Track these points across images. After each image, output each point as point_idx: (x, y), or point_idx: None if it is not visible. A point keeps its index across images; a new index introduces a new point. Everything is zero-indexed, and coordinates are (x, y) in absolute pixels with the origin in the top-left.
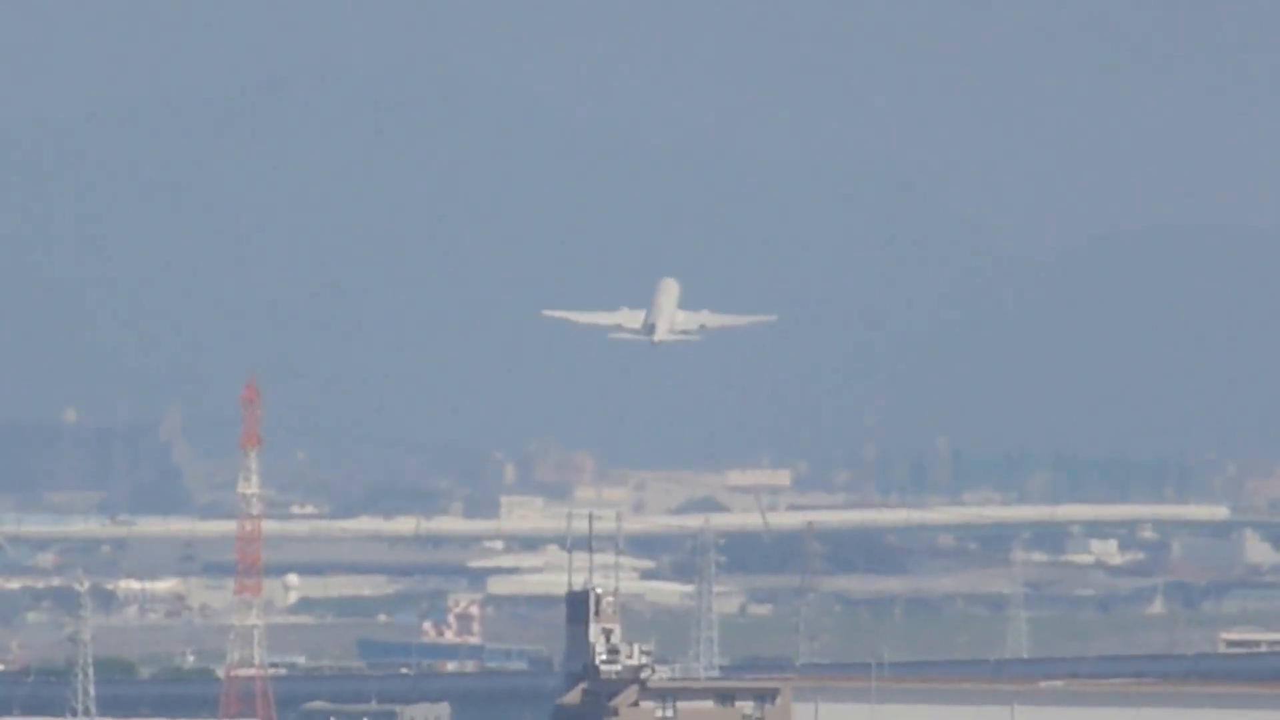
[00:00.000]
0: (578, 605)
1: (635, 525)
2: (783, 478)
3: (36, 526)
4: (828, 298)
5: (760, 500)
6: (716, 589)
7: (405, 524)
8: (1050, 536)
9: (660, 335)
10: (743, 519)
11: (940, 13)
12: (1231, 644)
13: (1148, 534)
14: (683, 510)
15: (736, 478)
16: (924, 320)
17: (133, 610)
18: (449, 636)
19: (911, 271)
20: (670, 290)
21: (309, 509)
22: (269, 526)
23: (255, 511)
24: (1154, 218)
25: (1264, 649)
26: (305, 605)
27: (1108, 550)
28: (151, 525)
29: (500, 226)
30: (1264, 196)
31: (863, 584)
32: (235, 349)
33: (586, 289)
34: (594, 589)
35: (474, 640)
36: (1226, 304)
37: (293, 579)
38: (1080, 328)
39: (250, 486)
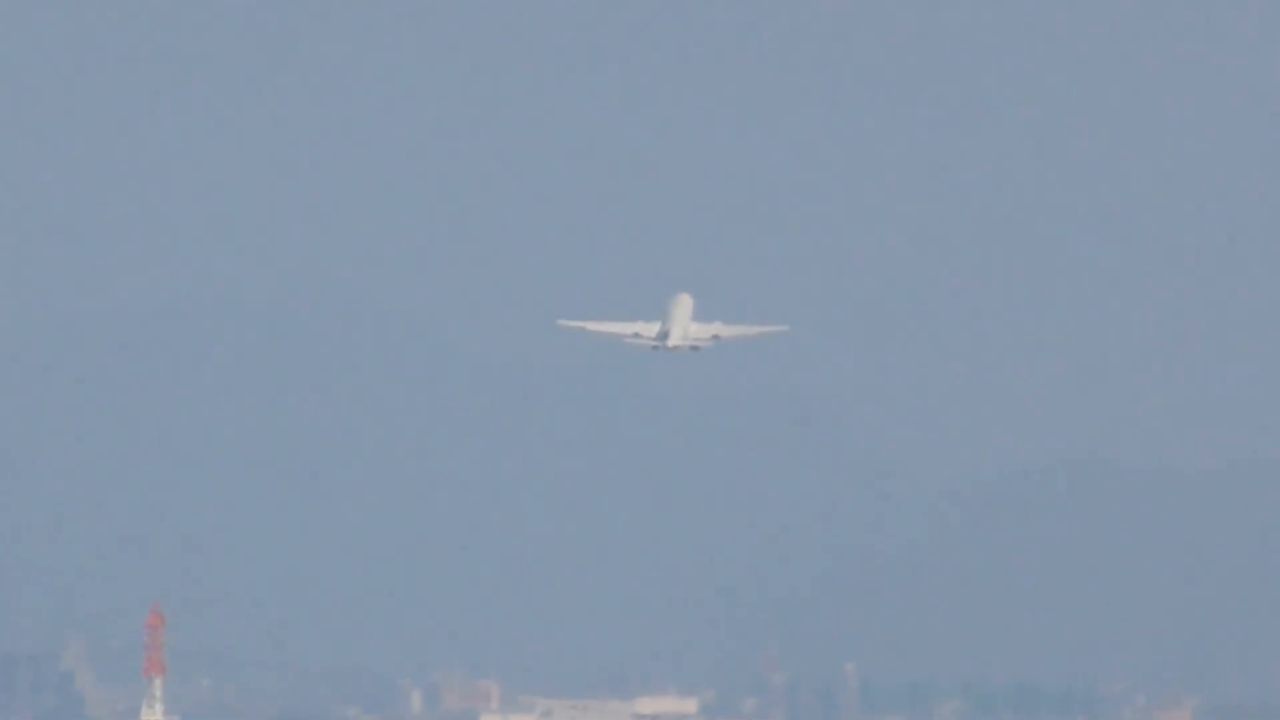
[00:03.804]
0: None
1: None
2: (690, 705)
3: None
4: (731, 523)
5: None
6: None
7: None
8: None
9: (674, 341)
10: None
11: (860, 250)
12: None
13: None
14: None
15: (644, 705)
16: (830, 547)
17: None
18: None
19: (816, 499)
20: (685, 303)
21: None
22: None
23: None
24: (1064, 452)
25: None
26: None
27: None
28: None
29: (400, 446)
30: (1181, 433)
31: None
32: (139, 576)
33: (461, 503)
34: None
35: None
36: (1135, 536)
37: None
38: (989, 556)
39: (154, 714)
